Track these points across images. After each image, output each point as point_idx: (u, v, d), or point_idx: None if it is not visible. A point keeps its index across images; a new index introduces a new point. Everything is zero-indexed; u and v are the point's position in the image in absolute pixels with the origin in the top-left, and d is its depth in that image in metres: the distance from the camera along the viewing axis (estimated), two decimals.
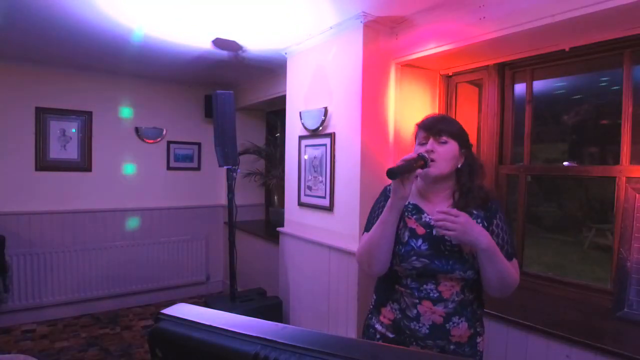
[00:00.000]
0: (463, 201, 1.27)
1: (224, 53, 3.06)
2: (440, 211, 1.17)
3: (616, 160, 1.84)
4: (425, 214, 1.29)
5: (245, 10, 2.24)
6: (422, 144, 1.30)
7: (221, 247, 4.57)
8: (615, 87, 1.88)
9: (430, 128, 1.29)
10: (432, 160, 1.23)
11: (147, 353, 3.05)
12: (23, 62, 3.43)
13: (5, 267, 3.21)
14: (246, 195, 4.47)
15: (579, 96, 2.22)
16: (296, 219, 2.84)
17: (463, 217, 1.15)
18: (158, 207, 4.19)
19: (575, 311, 1.80)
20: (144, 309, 4.01)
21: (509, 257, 1.25)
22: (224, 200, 4.36)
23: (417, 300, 1.24)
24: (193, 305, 0.59)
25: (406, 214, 1.31)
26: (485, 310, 1.82)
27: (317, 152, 2.59)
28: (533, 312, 1.79)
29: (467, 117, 2.53)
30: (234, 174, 2.95)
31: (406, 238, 1.27)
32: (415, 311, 1.25)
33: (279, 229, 3.03)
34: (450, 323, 1.24)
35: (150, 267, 4.12)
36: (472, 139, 2.46)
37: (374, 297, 1.44)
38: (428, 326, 1.24)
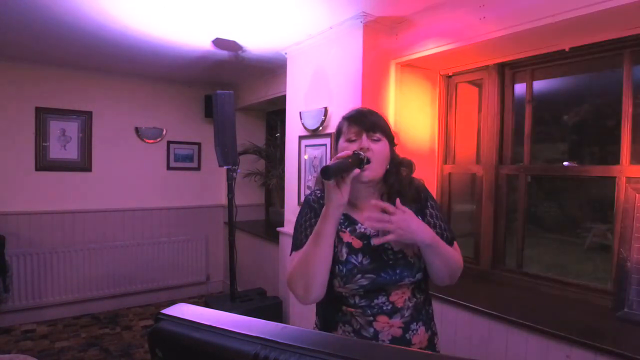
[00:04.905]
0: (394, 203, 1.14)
1: (224, 53, 3.06)
2: (371, 215, 1.04)
3: (616, 160, 1.84)
4: (359, 224, 1.16)
5: (245, 10, 2.24)
6: (351, 141, 1.13)
7: (221, 247, 4.57)
8: (615, 87, 1.88)
9: (363, 122, 1.13)
10: (368, 162, 1.07)
11: (147, 353, 3.05)
12: (23, 62, 3.43)
13: (5, 267, 3.21)
14: (246, 195, 4.47)
15: (579, 96, 2.22)
16: None
17: (398, 213, 1.03)
18: (158, 207, 4.19)
19: (575, 311, 1.80)
20: (144, 309, 4.01)
21: (450, 242, 1.18)
22: (224, 200, 4.36)
23: (372, 318, 1.12)
24: (193, 305, 0.59)
25: (339, 227, 1.14)
26: (484, 310, 1.83)
27: (317, 152, 2.59)
28: (533, 312, 1.79)
29: (467, 117, 2.53)
30: (234, 174, 2.95)
31: (345, 255, 1.12)
32: (372, 330, 1.11)
33: (279, 229, 3.03)
34: (410, 332, 1.14)
35: (150, 267, 4.12)
36: (472, 139, 2.49)
37: (317, 320, 1.26)
38: (388, 342, 1.12)
